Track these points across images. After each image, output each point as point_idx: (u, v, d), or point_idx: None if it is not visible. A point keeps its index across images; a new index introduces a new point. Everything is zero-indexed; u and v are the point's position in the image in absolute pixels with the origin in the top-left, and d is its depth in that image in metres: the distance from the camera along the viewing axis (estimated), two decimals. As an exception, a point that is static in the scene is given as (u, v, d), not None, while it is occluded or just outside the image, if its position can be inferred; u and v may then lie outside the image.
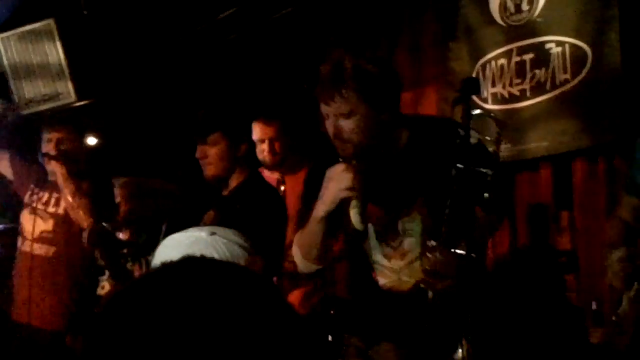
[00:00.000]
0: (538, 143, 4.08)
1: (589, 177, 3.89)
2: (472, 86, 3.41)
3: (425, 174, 2.49)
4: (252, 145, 3.22)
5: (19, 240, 4.11)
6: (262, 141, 3.93)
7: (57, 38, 4.29)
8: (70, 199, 3.94)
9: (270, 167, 3.97)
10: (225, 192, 3.21)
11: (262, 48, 4.54)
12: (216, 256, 1.69)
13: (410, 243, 2.54)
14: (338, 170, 2.38)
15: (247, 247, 1.73)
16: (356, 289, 2.74)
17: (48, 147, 4.03)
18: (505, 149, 4.18)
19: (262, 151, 3.96)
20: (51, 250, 4.02)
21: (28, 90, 4.38)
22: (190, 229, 1.84)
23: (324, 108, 2.41)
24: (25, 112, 4.33)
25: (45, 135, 4.08)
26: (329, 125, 2.43)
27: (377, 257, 2.57)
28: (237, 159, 3.19)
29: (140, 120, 4.87)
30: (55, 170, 3.97)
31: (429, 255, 2.34)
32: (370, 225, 2.51)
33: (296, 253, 2.60)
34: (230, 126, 3.18)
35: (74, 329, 3.90)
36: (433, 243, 2.35)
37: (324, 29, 4.49)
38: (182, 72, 4.67)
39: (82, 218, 3.92)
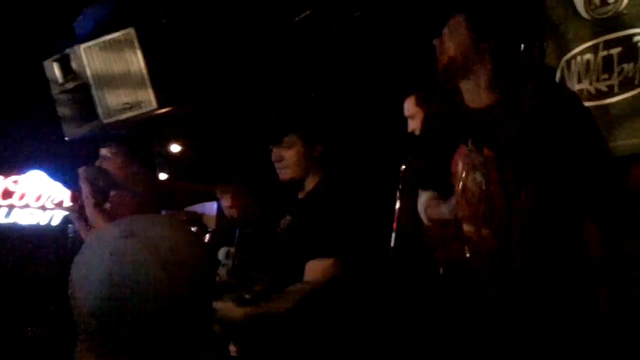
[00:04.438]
0: (627, 140, 3.93)
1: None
2: (548, 74, 3.33)
3: None
4: (328, 146, 3.17)
5: None
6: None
7: (137, 47, 4.33)
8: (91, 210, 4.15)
9: None
10: (301, 195, 3.18)
11: (340, 49, 4.50)
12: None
13: None
14: None
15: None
16: None
17: None
18: (593, 147, 4.06)
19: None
20: None
21: (110, 99, 4.43)
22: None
23: None
24: (108, 120, 4.40)
25: None
26: None
27: None
28: (313, 160, 3.15)
29: (220, 126, 4.90)
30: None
31: None
32: None
33: None
34: (305, 127, 3.15)
35: None
36: None
37: (401, 28, 4.41)
38: (260, 76, 4.67)
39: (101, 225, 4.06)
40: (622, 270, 3.95)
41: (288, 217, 3.12)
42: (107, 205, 4.27)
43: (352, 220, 2.99)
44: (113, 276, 1.45)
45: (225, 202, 4.67)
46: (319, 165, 3.16)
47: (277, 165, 3.15)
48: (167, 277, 1.45)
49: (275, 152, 3.13)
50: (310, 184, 3.15)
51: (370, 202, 3.24)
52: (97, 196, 4.21)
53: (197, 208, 4.94)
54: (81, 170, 4.23)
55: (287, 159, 3.12)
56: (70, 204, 5.16)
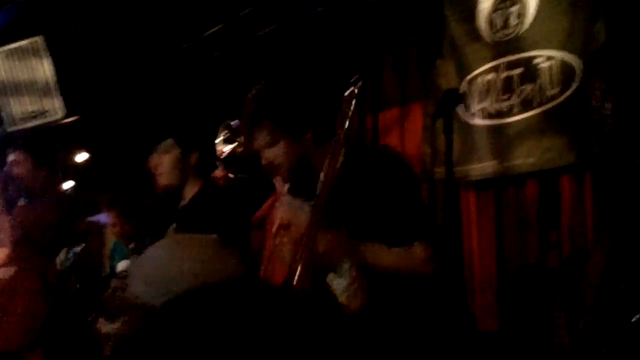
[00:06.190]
0: (525, 159, 4.01)
1: (575, 194, 3.82)
2: (453, 98, 3.35)
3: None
4: (204, 154, 3.18)
5: None
6: None
7: (45, 55, 4.30)
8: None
9: None
10: (182, 203, 3.17)
11: (249, 64, 4.52)
12: None
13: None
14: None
15: None
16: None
17: None
18: (491, 165, 4.14)
19: None
20: (8, 272, 4.12)
21: (16, 107, 4.39)
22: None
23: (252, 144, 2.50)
24: (12, 129, 4.34)
25: None
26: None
27: (330, 277, 2.51)
28: (189, 168, 3.15)
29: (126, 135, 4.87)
30: None
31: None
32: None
33: None
34: (181, 133, 3.15)
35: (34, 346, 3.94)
36: None
37: (308, 47, 4.46)
38: (167, 87, 4.66)
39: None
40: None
41: (172, 227, 3.09)
42: (18, 215, 4.20)
43: (235, 227, 3.00)
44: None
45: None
46: (197, 173, 3.16)
47: (154, 172, 3.14)
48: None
49: (153, 158, 3.13)
50: (189, 192, 3.15)
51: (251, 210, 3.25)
52: (7, 205, 4.15)
53: (101, 218, 4.90)
54: None
55: (162, 166, 3.11)
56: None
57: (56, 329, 4.00)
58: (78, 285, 3.98)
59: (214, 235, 1.91)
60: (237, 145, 3.63)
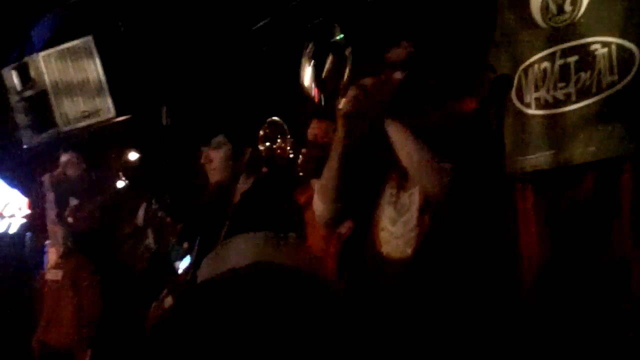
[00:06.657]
0: (584, 149, 3.91)
1: (636, 183, 3.71)
2: (505, 84, 3.30)
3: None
4: (258, 150, 3.16)
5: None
6: None
7: (95, 55, 4.33)
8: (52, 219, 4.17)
9: None
10: (235, 200, 3.15)
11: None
12: None
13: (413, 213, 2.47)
14: None
15: None
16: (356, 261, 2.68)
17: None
18: (548, 156, 4.06)
19: None
20: (59, 274, 4.18)
21: (68, 107, 4.43)
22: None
23: None
24: (66, 128, 4.39)
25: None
26: None
27: (384, 221, 2.50)
28: (241, 164, 3.13)
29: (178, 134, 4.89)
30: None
31: None
32: (386, 189, 2.51)
33: (317, 203, 2.60)
34: (233, 128, 3.12)
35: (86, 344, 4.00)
36: None
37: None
38: (217, 84, 4.66)
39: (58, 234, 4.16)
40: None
41: (226, 224, 3.07)
42: (68, 216, 4.26)
43: (288, 224, 2.97)
44: None
45: None
46: (250, 169, 3.14)
47: (206, 167, 3.12)
48: None
49: (205, 153, 3.11)
50: (242, 187, 3.13)
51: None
52: (59, 205, 4.20)
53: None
54: (46, 177, 4.20)
55: (215, 161, 3.09)
56: (28, 211, 5.17)
57: (108, 327, 4.05)
58: (156, 246, 4.02)
59: (292, 234, 1.95)
60: (278, 145, 3.61)
